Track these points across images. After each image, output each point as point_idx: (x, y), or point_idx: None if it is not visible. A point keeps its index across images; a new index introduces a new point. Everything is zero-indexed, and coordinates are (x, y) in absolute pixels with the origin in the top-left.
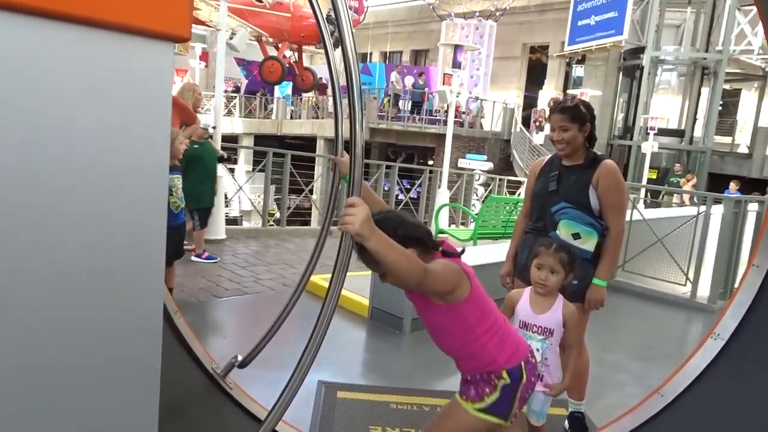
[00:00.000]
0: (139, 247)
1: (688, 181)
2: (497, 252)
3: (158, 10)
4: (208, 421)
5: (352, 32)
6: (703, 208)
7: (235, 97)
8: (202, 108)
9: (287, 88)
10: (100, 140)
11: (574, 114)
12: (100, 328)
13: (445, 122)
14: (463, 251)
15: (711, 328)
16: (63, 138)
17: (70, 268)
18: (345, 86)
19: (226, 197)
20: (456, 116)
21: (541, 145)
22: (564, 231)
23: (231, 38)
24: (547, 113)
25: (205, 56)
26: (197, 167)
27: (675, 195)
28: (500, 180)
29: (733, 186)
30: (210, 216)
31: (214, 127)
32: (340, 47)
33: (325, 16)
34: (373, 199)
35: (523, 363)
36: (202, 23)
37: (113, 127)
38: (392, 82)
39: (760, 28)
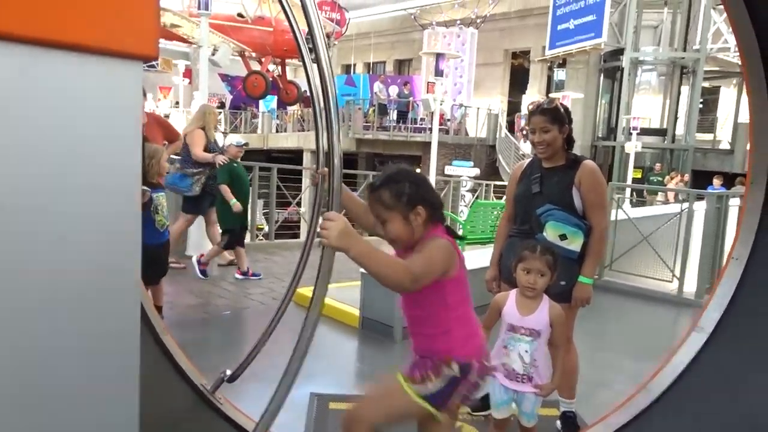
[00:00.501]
0: (112, 264)
1: (672, 179)
2: (486, 257)
3: (123, 30)
4: None
5: (326, 45)
6: (686, 205)
7: (220, 112)
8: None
9: (272, 102)
10: (66, 160)
11: (554, 115)
12: (71, 348)
13: (431, 130)
14: (464, 236)
15: (694, 322)
16: (29, 159)
17: (39, 286)
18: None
19: None
20: (441, 124)
21: (528, 154)
22: (551, 233)
23: (213, 54)
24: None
25: (188, 73)
26: (237, 185)
27: (660, 193)
28: (487, 185)
29: (716, 182)
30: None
31: (246, 144)
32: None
33: (306, 30)
34: (356, 204)
35: (475, 362)
36: (184, 40)
37: (80, 146)
38: (376, 92)
39: None
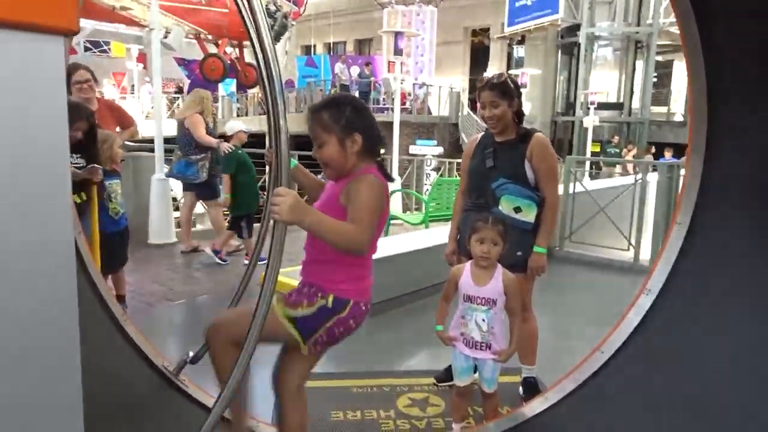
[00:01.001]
0: (42, 247)
1: (629, 151)
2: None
3: (42, 4)
4: (164, 419)
5: (267, 25)
6: (639, 176)
7: (178, 98)
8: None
9: (231, 85)
10: None
11: (503, 90)
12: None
13: (393, 110)
14: (391, 177)
15: (642, 285)
16: None
17: None
18: (289, 80)
19: (174, 200)
20: (403, 103)
21: None
22: (506, 206)
23: (165, 37)
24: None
25: (142, 58)
26: (244, 173)
27: (618, 166)
28: (450, 163)
29: (667, 154)
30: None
31: (249, 131)
32: (276, 42)
33: (264, 9)
34: (310, 180)
35: (352, 302)
36: (137, 24)
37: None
38: (337, 73)
39: None
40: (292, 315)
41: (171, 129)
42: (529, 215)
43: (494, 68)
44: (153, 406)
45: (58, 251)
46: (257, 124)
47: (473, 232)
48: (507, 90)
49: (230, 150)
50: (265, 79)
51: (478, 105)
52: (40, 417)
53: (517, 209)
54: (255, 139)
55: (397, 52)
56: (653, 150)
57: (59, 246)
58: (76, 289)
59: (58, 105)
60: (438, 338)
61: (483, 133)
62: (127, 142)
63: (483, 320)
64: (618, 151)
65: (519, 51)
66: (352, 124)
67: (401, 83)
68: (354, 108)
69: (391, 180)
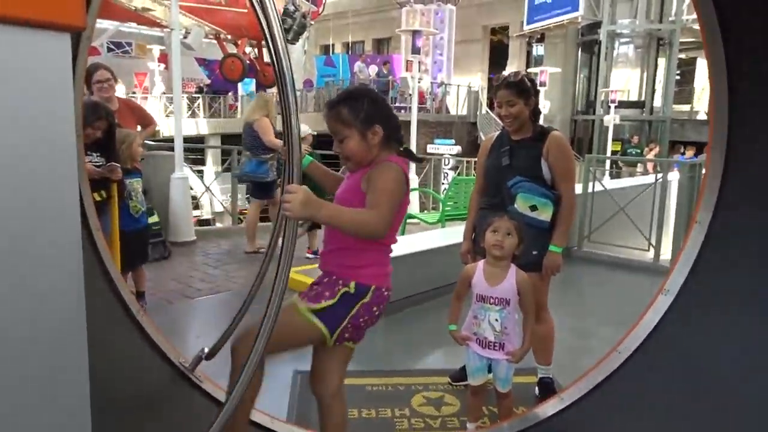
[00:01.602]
0: (49, 245)
1: (651, 150)
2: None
3: (47, 1)
4: (179, 415)
5: (278, 22)
6: (660, 175)
7: (198, 97)
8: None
9: (251, 85)
10: None
11: (520, 88)
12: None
13: (411, 109)
14: (418, 158)
15: (661, 285)
16: None
17: None
18: (307, 80)
19: (194, 199)
20: (421, 102)
21: None
22: (521, 204)
23: (185, 37)
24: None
25: (164, 58)
26: None
27: (639, 165)
28: (468, 162)
29: (688, 152)
30: None
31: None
32: (295, 41)
33: (282, 10)
34: (326, 175)
35: (374, 287)
36: (159, 25)
37: (7, 122)
38: (356, 72)
39: None
40: (315, 309)
41: (191, 128)
42: (544, 214)
43: (513, 67)
44: (168, 401)
45: (65, 250)
46: (276, 123)
47: (488, 227)
48: (523, 88)
49: (306, 153)
50: (278, 77)
51: (495, 103)
52: (46, 412)
53: (533, 207)
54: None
55: (415, 50)
56: (682, 150)
57: (66, 245)
58: (83, 288)
59: (65, 103)
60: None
61: (499, 131)
62: (147, 141)
63: (496, 320)
64: (639, 151)
65: (538, 49)
66: (372, 117)
67: (419, 82)
68: (371, 100)
69: (420, 160)
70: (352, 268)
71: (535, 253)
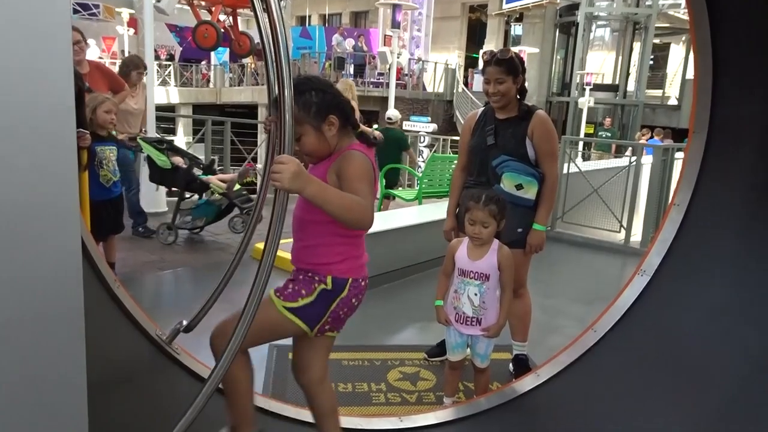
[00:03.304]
0: (46, 218)
1: (643, 136)
2: (443, 210)
3: None
4: (157, 387)
5: None
6: (634, 158)
7: (169, 65)
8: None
9: (224, 54)
10: None
11: (509, 66)
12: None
13: (388, 85)
14: (374, 143)
15: (638, 266)
16: None
17: None
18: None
19: None
20: (398, 78)
21: None
22: (507, 183)
23: (159, 1)
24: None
25: (133, 22)
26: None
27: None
28: (444, 140)
29: (656, 136)
30: None
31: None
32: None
33: None
34: None
35: (351, 279)
36: None
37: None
38: (334, 45)
39: None
40: (292, 306)
41: (162, 96)
42: (530, 192)
43: (491, 45)
44: (145, 374)
45: (62, 222)
46: (250, 95)
47: (466, 210)
48: (513, 66)
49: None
50: (273, 47)
51: (482, 80)
52: (44, 392)
53: (519, 186)
54: (246, 110)
55: (395, 25)
56: (649, 135)
57: (64, 218)
58: (81, 260)
59: (61, 47)
60: (434, 313)
61: (483, 108)
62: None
63: (476, 294)
64: (610, 135)
65: (516, 29)
66: (323, 108)
67: (398, 57)
68: (318, 90)
69: (374, 145)
70: (327, 264)
71: (520, 230)
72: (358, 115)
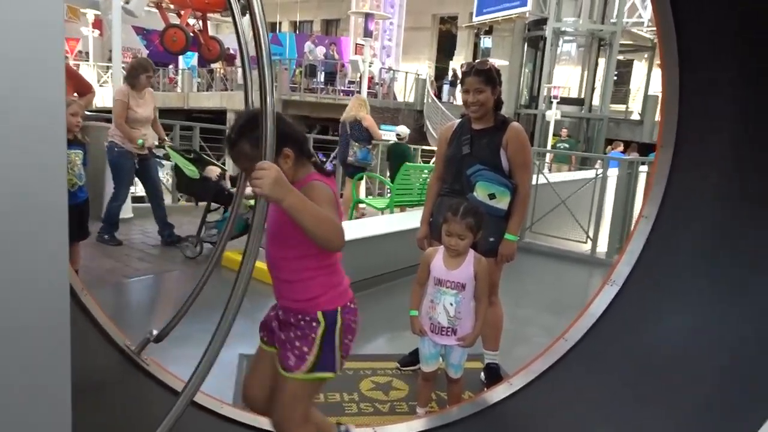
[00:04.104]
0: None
1: (614, 148)
2: (414, 219)
3: None
4: (126, 398)
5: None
6: (600, 170)
7: None
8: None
9: (192, 59)
10: None
11: (488, 76)
12: None
13: (359, 93)
14: (328, 172)
15: (607, 276)
16: None
17: None
18: (254, 56)
19: None
20: (369, 87)
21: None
22: (481, 192)
23: (127, 2)
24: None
25: (98, 24)
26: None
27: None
28: (414, 149)
29: (617, 148)
30: None
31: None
32: (248, 14)
33: None
34: None
35: (340, 308)
36: None
37: None
38: (306, 52)
39: (649, 1)
40: (309, 370)
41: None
42: (502, 202)
43: (461, 57)
44: (113, 386)
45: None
46: (218, 100)
47: (444, 221)
48: (491, 77)
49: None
50: (255, 57)
51: (462, 90)
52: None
53: (492, 196)
54: (214, 116)
55: (367, 34)
56: (621, 147)
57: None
58: (67, 262)
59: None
60: (406, 322)
61: (459, 120)
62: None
63: (451, 304)
64: (568, 146)
65: (486, 41)
66: (278, 142)
67: (369, 66)
68: (276, 119)
69: (329, 174)
70: (311, 300)
71: (492, 240)
72: (370, 125)
